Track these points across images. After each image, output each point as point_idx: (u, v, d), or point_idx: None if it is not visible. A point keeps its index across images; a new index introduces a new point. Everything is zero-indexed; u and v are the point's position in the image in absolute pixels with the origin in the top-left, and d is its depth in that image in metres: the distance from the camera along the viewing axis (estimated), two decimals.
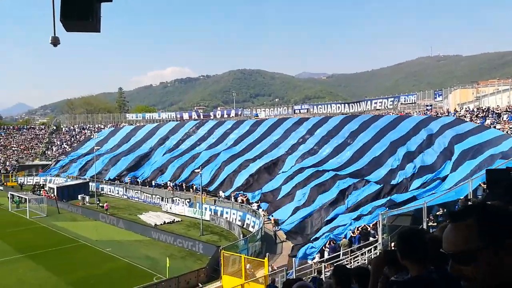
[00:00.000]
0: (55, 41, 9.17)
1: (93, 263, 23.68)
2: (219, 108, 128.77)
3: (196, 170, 35.75)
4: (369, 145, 37.88)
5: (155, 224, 32.92)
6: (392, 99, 51.31)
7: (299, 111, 59.45)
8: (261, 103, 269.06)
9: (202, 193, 35.49)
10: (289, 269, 19.30)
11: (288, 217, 30.17)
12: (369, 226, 21.85)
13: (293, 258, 20.37)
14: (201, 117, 72.14)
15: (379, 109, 50.89)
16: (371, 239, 20.28)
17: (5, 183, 59.53)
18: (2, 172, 65.21)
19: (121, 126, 75.34)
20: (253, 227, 30.37)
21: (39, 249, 26.79)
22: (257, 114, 63.74)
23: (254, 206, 34.46)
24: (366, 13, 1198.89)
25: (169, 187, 45.70)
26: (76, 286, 20.12)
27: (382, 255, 3.11)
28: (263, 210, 33.31)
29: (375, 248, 17.62)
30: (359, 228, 21.98)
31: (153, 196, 43.38)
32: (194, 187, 43.24)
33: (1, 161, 70.62)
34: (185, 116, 73.44)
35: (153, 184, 47.99)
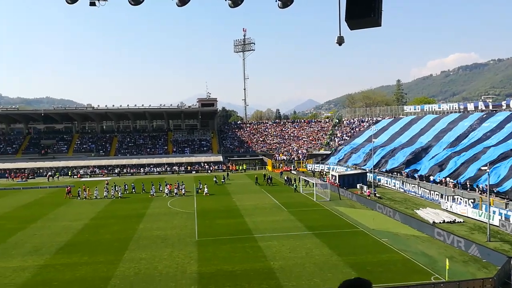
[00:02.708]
0: (340, 41, 9.92)
1: (369, 251, 24.68)
2: None
3: (483, 168, 31.60)
4: None
5: (433, 222, 31.23)
6: None
7: None
8: None
9: (489, 194, 31.16)
10: None
11: None
12: None
13: None
14: (490, 107, 63.04)
15: None
16: None
17: (297, 168, 69.53)
18: (295, 159, 76.41)
19: (398, 118, 74.86)
20: None
21: (323, 229, 30.06)
22: None
23: None
24: None
25: (450, 184, 42.33)
26: (354, 268, 21.50)
27: None
28: None
29: None
30: None
31: (432, 192, 41.19)
32: (480, 186, 38.47)
33: (295, 149, 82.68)
34: (470, 107, 65.89)
35: (431, 179, 45.56)
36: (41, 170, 73.03)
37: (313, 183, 44.88)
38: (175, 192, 47.89)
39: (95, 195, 47.22)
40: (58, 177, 69.82)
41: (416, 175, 48.70)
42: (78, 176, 71.47)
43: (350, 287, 2.86)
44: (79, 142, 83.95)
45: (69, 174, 71.98)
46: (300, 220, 32.99)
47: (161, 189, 50.15)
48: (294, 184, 49.81)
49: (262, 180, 55.94)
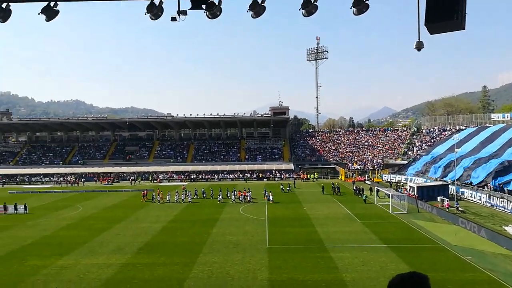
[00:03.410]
0: (419, 46, 9.49)
1: (450, 268, 23.01)
2: None
3: None
4: None
5: None
6: None
7: None
8: None
9: None
10: None
11: None
12: None
13: None
14: None
15: None
16: None
17: (372, 179, 67.19)
18: (369, 169, 73.93)
19: (484, 127, 69.32)
20: None
21: (399, 242, 28.63)
22: None
23: None
24: None
25: None
26: (433, 287, 20.19)
27: None
28: None
29: None
30: None
31: None
32: None
33: (369, 159, 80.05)
34: None
35: None
36: (125, 175, 78.54)
37: (389, 194, 43.03)
38: (240, 199, 48.95)
39: (167, 199, 49.79)
40: (139, 181, 74.53)
41: (505, 189, 44.60)
42: (158, 180, 75.65)
43: (402, 281, 2.53)
44: (159, 148, 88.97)
45: (150, 179, 76.49)
46: (374, 232, 31.77)
47: (228, 195, 51.44)
48: (364, 195, 48.15)
49: (330, 189, 54.94)
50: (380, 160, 77.54)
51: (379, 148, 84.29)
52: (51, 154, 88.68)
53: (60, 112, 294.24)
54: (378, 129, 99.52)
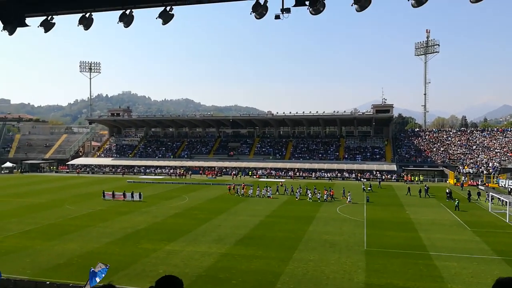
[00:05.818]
0: None
1: None
2: None
3: None
4: None
5: None
6: None
7: None
8: None
9: None
10: None
11: None
12: None
13: None
14: None
15: None
16: None
17: (486, 184, 60.98)
18: (484, 172, 67.11)
19: None
20: None
21: None
22: None
23: None
24: None
25: None
26: None
27: None
28: None
29: None
30: None
31: None
32: None
33: (484, 162, 72.67)
34: None
35: None
36: (227, 169, 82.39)
37: (506, 202, 38.61)
38: (318, 197, 49.17)
39: (249, 193, 52.40)
40: (240, 176, 77.57)
41: None
42: (257, 176, 77.91)
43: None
44: (259, 145, 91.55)
45: (249, 174, 79.14)
46: (487, 243, 28.84)
47: (308, 193, 50.63)
48: (456, 200, 43.66)
49: (417, 192, 52.91)
50: (497, 164, 69.85)
51: (496, 150, 75.97)
52: (163, 148, 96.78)
53: (172, 110, 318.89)
54: (495, 129, 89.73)
